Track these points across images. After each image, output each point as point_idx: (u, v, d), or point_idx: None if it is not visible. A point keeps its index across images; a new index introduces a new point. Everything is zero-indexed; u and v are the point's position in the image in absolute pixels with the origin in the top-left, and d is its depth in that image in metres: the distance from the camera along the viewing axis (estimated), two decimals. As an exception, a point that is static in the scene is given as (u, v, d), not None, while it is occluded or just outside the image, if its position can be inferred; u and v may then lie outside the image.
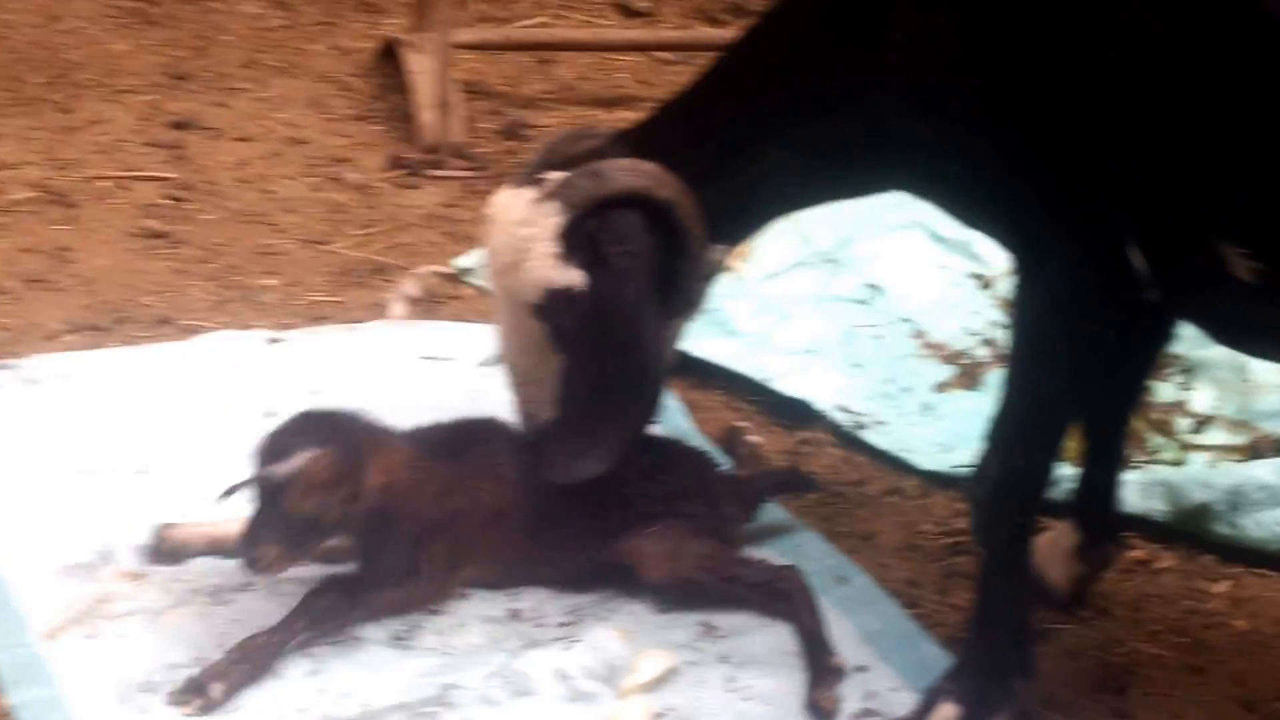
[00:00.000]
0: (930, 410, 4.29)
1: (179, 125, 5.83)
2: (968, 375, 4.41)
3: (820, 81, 3.22)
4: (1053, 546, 3.54)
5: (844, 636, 3.45)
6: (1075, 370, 3.08)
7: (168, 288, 4.82)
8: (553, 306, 3.38)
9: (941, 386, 4.38)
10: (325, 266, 4.98)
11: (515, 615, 3.51)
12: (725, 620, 3.51)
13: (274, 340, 4.47)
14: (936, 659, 3.38)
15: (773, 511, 3.85)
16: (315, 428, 3.32)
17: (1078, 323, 3.01)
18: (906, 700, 3.30)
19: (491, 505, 3.50)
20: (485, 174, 5.52)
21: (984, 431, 3.20)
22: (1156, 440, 4.10)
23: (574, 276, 3.35)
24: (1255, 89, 2.65)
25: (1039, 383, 3.08)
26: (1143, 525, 3.83)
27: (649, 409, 3.49)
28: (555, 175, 3.41)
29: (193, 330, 4.58)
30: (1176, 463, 4.01)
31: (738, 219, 3.48)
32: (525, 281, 3.39)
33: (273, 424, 3.40)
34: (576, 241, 3.35)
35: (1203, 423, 4.15)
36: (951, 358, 4.48)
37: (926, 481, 4.04)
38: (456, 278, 4.88)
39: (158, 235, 5.10)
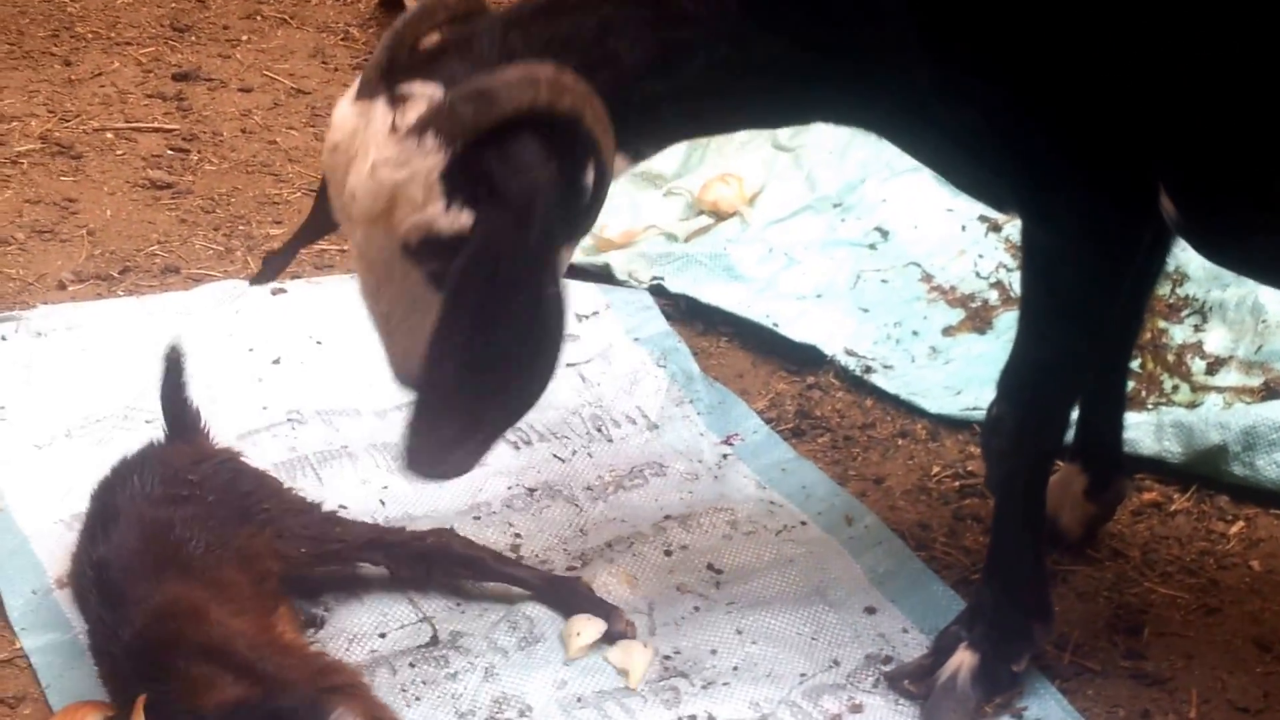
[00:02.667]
0: (939, 354, 4.26)
1: (181, 77, 5.80)
2: (976, 318, 4.37)
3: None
4: (1062, 490, 3.50)
5: (853, 578, 3.44)
6: (1094, 320, 2.97)
7: (173, 238, 4.80)
8: (434, 251, 2.76)
9: (950, 330, 4.34)
10: (330, 216, 4.95)
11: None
12: (731, 563, 3.51)
13: (278, 290, 4.45)
14: (947, 601, 3.37)
15: (780, 451, 3.84)
16: None
17: (1097, 271, 2.89)
18: (916, 642, 3.29)
19: None
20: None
21: (996, 378, 3.13)
22: (1171, 382, 4.06)
23: (463, 219, 2.72)
24: None
25: (1059, 333, 2.96)
26: (1157, 467, 3.80)
27: (543, 382, 2.84)
28: (418, 88, 2.75)
29: (198, 280, 4.57)
30: (1191, 404, 3.98)
31: (647, 132, 2.92)
32: (400, 227, 2.75)
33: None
34: (463, 178, 2.70)
35: (1217, 364, 4.11)
36: (960, 301, 4.44)
37: (935, 424, 4.01)
38: (462, 226, 4.84)
39: (162, 186, 5.07)
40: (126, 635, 2.94)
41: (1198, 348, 4.14)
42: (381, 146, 2.71)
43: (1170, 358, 4.12)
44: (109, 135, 5.37)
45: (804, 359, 4.25)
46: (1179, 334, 4.18)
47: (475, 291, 2.71)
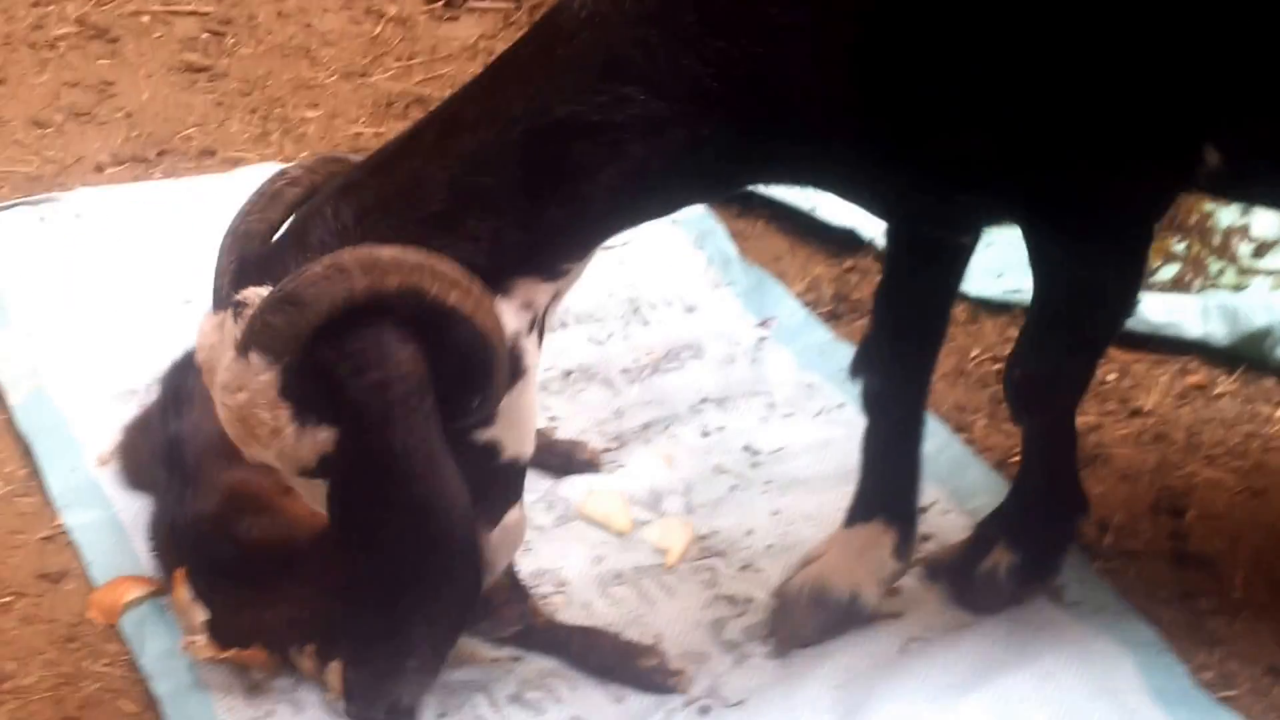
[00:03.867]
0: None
1: (218, -41, 5.75)
2: (1020, 200, 4.31)
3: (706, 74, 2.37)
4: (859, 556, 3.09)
5: (893, 458, 3.42)
6: (1130, 305, 2.84)
7: (210, 121, 4.78)
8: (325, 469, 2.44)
9: (993, 212, 4.29)
10: (365, 99, 4.92)
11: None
12: (768, 444, 3.50)
13: (315, 173, 4.42)
14: (987, 481, 3.36)
15: (818, 333, 3.81)
16: None
17: (1139, 248, 2.75)
18: (956, 524, 3.28)
19: None
20: (524, 5, 5.43)
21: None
22: (1217, 265, 4.01)
23: (320, 437, 2.38)
24: None
25: (1100, 321, 2.83)
26: (1202, 350, 3.76)
27: (469, 588, 2.50)
28: (253, 294, 2.39)
29: (235, 163, 4.55)
30: (1237, 287, 3.93)
31: (560, 251, 2.49)
32: (273, 457, 2.45)
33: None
34: (307, 391, 2.36)
35: (1264, 247, 4.05)
36: (1004, 183, 4.38)
37: (975, 307, 3.96)
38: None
39: (199, 69, 5.05)
40: (195, 511, 2.98)
41: (1244, 231, 4.08)
42: (224, 369, 2.39)
43: (1216, 240, 4.06)
44: (145, 18, 5.33)
45: (842, 242, 4.21)
46: (1225, 217, 4.11)
47: (357, 513, 2.42)
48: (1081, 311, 2.76)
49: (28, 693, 2.95)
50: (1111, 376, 3.72)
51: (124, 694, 2.96)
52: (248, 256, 2.48)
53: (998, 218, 2.82)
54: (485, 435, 2.51)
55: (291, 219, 2.52)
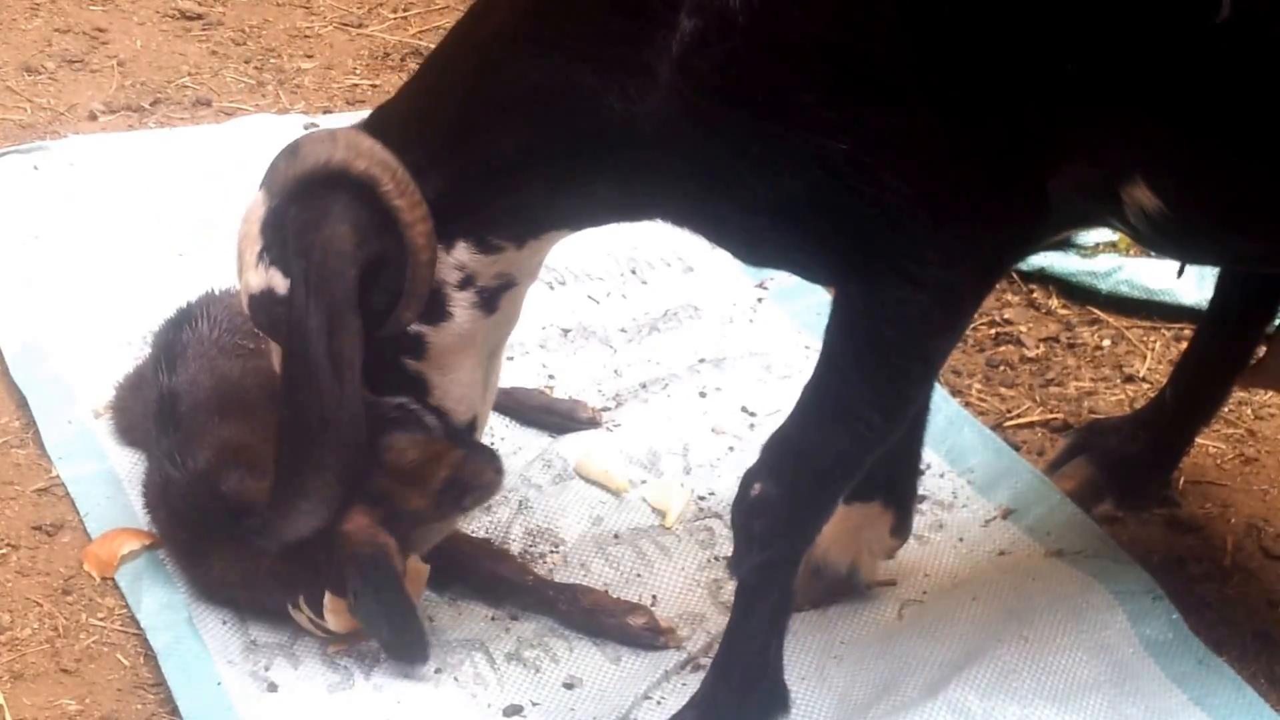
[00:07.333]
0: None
1: (211, -95, 5.71)
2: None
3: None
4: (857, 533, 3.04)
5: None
6: (918, 394, 2.64)
7: (204, 70, 4.75)
8: (259, 317, 2.73)
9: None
10: (361, 50, 4.90)
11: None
12: (764, 405, 3.50)
13: (310, 125, 4.40)
14: (981, 441, 3.38)
15: (816, 295, 3.81)
16: None
17: (946, 335, 2.54)
18: (950, 486, 3.29)
19: None
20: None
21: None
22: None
23: (274, 279, 2.65)
24: None
25: (873, 413, 2.53)
26: (1196, 317, 3.77)
27: (343, 450, 2.66)
28: None
29: (230, 113, 4.53)
30: (1229, 255, 3.93)
31: (515, 214, 2.62)
32: (242, 284, 2.74)
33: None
34: (279, 230, 2.63)
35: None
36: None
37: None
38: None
39: (193, 17, 5.01)
40: (191, 466, 2.97)
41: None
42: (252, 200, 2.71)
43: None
44: (138, -36, 5.31)
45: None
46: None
47: (286, 361, 2.66)
48: (872, 405, 2.52)
49: (24, 645, 2.95)
50: (1106, 343, 3.74)
51: (120, 647, 2.97)
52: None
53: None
54: (413, 366, 2.72)
55: None
